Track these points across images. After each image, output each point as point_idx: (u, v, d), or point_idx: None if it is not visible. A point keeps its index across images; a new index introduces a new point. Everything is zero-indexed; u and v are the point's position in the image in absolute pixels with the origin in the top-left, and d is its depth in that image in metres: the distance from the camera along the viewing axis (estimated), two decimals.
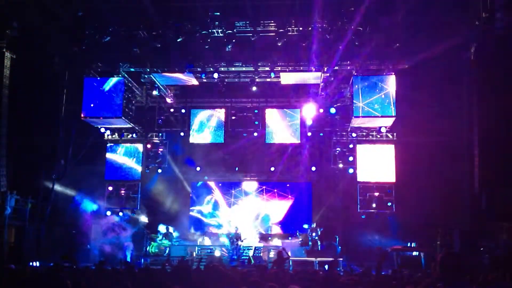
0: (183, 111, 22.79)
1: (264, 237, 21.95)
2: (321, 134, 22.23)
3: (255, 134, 22.32)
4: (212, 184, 24.05)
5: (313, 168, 22.75)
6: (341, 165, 21.97)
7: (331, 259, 15.40)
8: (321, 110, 21.69)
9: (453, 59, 19.04)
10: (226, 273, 6.01)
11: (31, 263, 17.43)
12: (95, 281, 5.98)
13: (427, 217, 19.03)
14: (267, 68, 20.06)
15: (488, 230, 16.89)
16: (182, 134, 22.68)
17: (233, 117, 22.46)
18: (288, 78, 20.33)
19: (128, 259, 19.38)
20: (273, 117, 21.95)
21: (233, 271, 8.82)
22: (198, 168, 23.11)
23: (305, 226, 21.13)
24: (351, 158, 21.70)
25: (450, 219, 18.65)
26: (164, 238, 20.60)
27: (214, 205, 23.88)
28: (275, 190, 23.63)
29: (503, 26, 13.93)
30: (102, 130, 21.94)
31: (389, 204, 20.72)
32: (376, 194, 20.82)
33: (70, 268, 8.61)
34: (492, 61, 16.89)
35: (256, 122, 22.25)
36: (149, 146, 22.97)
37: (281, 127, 21.88)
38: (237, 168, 23.52)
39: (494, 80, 17.07)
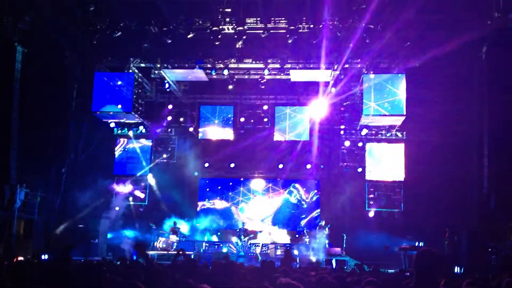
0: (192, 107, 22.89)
1: (271, 234, 21.88)
2: (330, 132, 22.18)
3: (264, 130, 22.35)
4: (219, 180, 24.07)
5: (322, 166, 22.75)
6: (350, 163, 21.93)
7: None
8: (330, 108, 21.67)
9: (464, 58, 18.95)
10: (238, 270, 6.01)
11: (40, 256, 17.50)
12: (107, 275, 6.03)
13: (435, 217, 18.95)
14: (277, 65, 20.08)
15: (497, 230, 16.79)
16: (191, 129, 22.75)
17: (242, 114, 22.49)
18: (298, 75, 20.35)
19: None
20: (282, 114, 21.97)
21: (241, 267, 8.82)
22: (206, 164, 23.18)
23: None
24: (360, 157, 21.68)
25: (458, 219, 18.56)
26: (171, 233, 20.66)
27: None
28: (282, 190, 23.53)
29: None
30: (112, 124, 22.05)
31: (398, 203, 20.68)
32: (385, 192, 20.79)
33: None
34: (504, 61, 16.79)
35: (266, 119, 22.29)
36: (158, 141, 23.04)
37: (290, 125, 21.89)
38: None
39: (505, 80, 16.97)
